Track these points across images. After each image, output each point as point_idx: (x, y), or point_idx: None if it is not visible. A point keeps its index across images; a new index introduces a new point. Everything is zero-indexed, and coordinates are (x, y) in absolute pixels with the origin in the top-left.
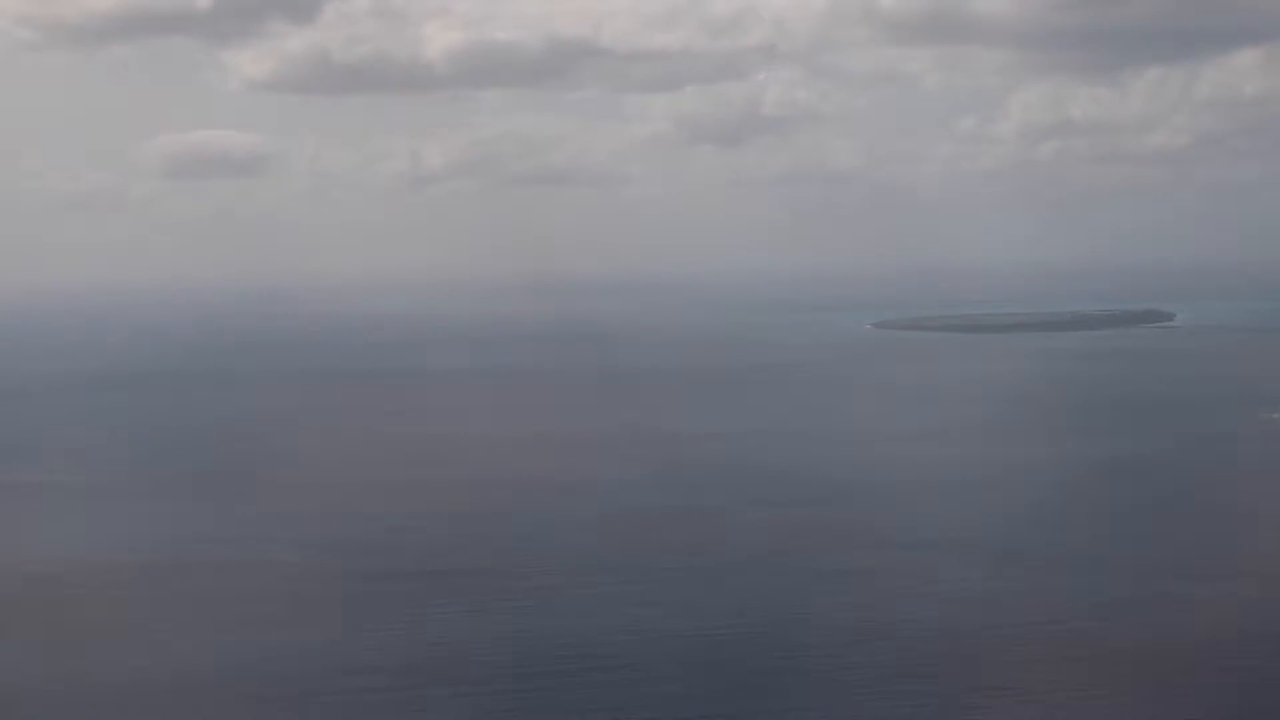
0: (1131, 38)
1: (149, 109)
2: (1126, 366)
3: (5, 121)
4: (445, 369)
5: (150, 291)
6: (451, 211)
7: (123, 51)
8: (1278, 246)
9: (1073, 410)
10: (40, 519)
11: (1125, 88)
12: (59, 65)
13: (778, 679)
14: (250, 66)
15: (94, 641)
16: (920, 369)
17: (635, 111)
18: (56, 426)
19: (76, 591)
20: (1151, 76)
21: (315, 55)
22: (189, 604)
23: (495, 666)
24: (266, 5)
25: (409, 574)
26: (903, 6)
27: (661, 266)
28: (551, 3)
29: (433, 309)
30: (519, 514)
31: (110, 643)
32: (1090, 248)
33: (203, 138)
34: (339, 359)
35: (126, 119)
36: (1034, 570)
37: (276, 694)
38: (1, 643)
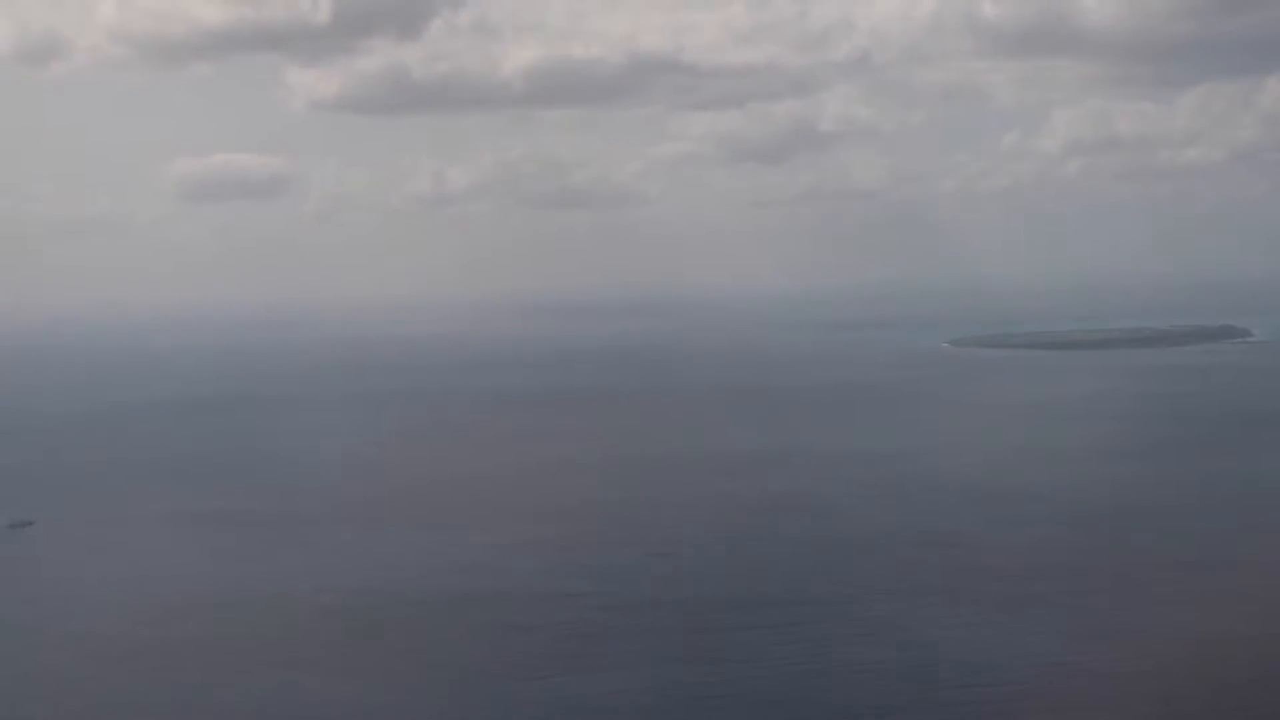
0: (1210, 51)
1: (203, 130)
2: (1245, 383)
3: (61, 144)
4: (533, 390)
5: (191, 315)
6: (468, 233)
7: (203, 70)
8: None
9: (1228, 426)
10: (275, 549)
11: (1172, 103)
12: (133, 85)
13: None
14: (317, 86)
15: (466, 679)
16: (1033, 386)
17: (679, 130)
18: (195, 451)
19: (391, 624)
20: (1200, 92)
21: (390, 74)
22: (514, 638)
23: (940, 695)
24: (376, 21)
25: (721, 603)
26: (1008, 16)
27: (677, 287)
28: (638, 16)
29: (464, 330)
30: (775, 537)
31: (485, 682)
32: (1100, 263)
33: (236, 161)
34: (413, 380)
35: (176, 141)
36: None
37: None
38: (373, 679)
